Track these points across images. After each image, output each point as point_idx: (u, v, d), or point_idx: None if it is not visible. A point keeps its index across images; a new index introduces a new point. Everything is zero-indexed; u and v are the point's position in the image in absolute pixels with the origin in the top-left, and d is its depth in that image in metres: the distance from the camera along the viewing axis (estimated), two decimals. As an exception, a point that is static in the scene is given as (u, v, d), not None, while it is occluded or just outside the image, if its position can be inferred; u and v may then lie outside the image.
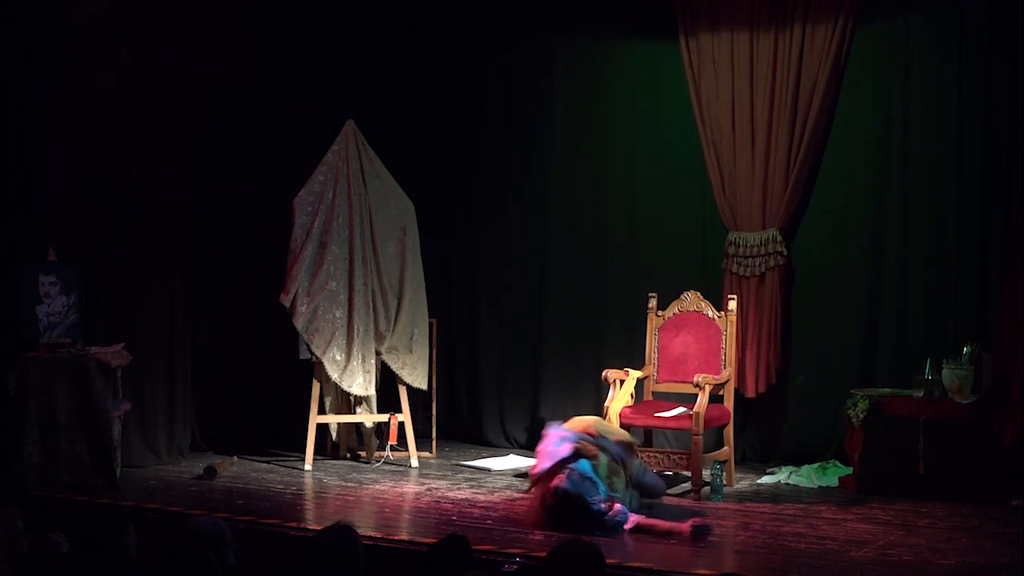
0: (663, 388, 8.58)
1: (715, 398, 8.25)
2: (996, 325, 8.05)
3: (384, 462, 9.00)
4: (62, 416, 8.00)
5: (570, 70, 9.70)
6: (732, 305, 8.47)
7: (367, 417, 9.10)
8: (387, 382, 9.09)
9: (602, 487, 7.13)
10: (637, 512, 7.23)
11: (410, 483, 8.39)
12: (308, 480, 8.51)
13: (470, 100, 10.02)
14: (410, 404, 9.04)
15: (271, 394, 9.77)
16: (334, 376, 8.83)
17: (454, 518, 7.34)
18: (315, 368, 8.87)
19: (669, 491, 8.12)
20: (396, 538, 6.79)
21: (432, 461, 9.19)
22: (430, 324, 9.25)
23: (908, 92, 8.66)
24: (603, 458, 7.28)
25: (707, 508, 7.64)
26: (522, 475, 8.32)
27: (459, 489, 8.14)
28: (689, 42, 9.07)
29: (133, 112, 8.85)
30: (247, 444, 9.33)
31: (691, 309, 8.55)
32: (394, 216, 9.04)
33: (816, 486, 8.32)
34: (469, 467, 8.95)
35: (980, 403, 7.93)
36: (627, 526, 7.03)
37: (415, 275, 9.10)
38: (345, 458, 9.20)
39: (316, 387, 8.89)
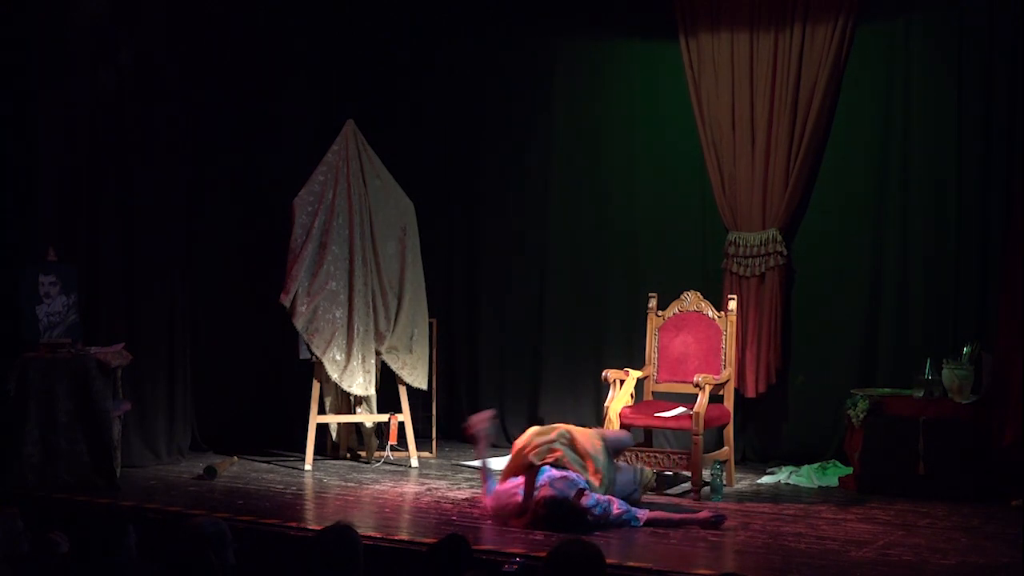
0: (663, 388, 8.58)
1: (715, 398, 8.25)
2: (996, 325, 8.05)
3: (384, 462, 9.01)
4: (62, 416, 8.00)
5: (570, 70, 9.70)
6: (732, 305, 8.47)
7: (367, 417, 9.10)
8: (387, 382, 9.09)
9: (581, 480, 7.15)
10: (624, 495, 7.29)
11: (410, 483, 8.39)
12: (308, 480, 8.51)
13: (470, 100, 10.02)
14: (410, 404, 9.04)
15: (271, 394, 9.77)
16: (334, 376, 8.83)
17: (454, 518, 7.34)
18: (315, 368, 8.87)
19: (669, 491, 8.13)
20: (396, 538, 6.79)
21: (432, 461, 9.19)
22: (430, 324, 9.26)
23: (908, 92, 8.67)
24: (566, 452, 7.29)
25: (707, 508, 7.63)
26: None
27: (459, 489, 8.14)
28: (689, 42, 9.08)
29: (133, 112, 8.85)
30: (247, 444, 9.33)
31: (691, 309, 8.55)
32: (394, 216, 9.04)
33: (816, 486, 8.32)
34: (469, 467, 8.94)
35: (980, 403, 7.93)
36: (641, 521, 7.07)
37: (415, 275, 9.10)
38: (345, 458, 9.20)
39: (316, 387, 8.89)
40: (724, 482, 8.01)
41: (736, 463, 8.53)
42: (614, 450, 7.57)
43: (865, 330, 8.81)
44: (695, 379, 8.10)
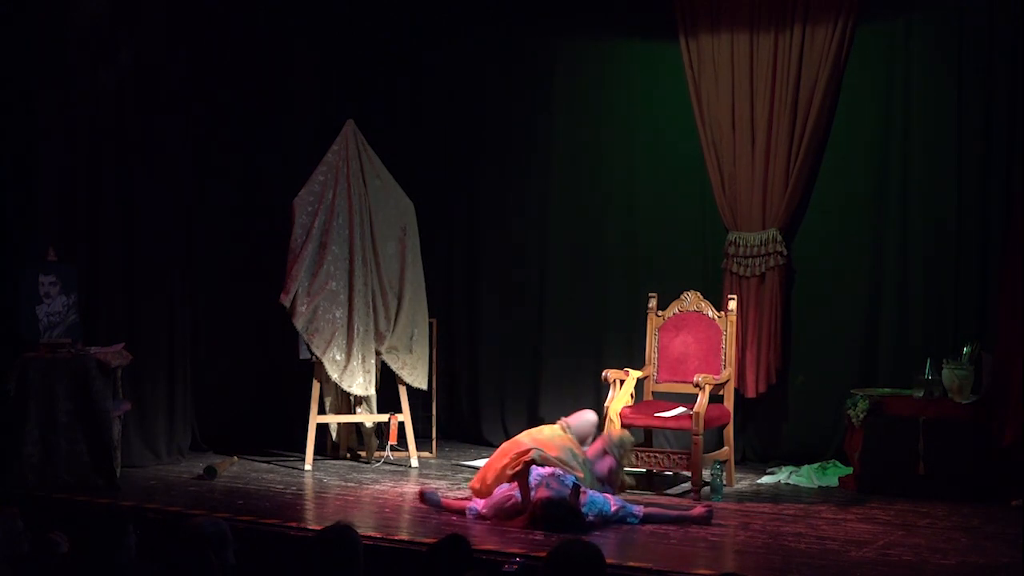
0: (663, 388, 8.57)
1: (715, 398, 8.25)
2: (996, 325, 8.05)
3: (384, 462, 9.01)
4: (62, 416, 8.00)
5: (570, 70, 9.70)
6: (732, 305, 8.46)
7: (367, 417, 9.10)
8: (387, 382, 9.09)
9: (569, 477, 7.17)
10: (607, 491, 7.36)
11: (410, 483, 8.39)
12: (308, 480, 8.51)
13: (470, 100, 10.03)
14: (410, 404, 9.04)
15: (271, 394, 9.77)
16: (334, 376, 8.83)
17: (454, 518, 7.34)
18: (315, 368, 8.87)
19: (669, 491, 8.13)
20: (396, 538, 6.79)
21: (432, 461, 9.19)
22: (430, 324, 9.25)
23: (908, 92, 8.67)
24: (541, 456, 7.31)
25: (698, 505, 7.63)
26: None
27: (459, 489, 8.14)
28: (689, 42, 9.07)
29: (133, 112, 8.85)
30: (247, 444, 9.33)
31: (691, 309, 8.55)
32: (394, 216, 9.04)
33: (816, 486, 8.32)
34: (469, 467, 8.94)
35: (980, 403, 7.93)
36: (638, 518, 7.09)
37: (415, 275, 9.10)
38: (345, 458, 9.20)
39: (316, 387, 8.89)
40: (724, 482, 8.01)
41: (736, 463, 8.53)
42: (579, 437, 7.62)
43: (865, 330, 8.81)
44: (695, 379, 8.10)
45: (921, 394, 8.05)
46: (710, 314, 8.49)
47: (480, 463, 8.97)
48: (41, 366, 8.03)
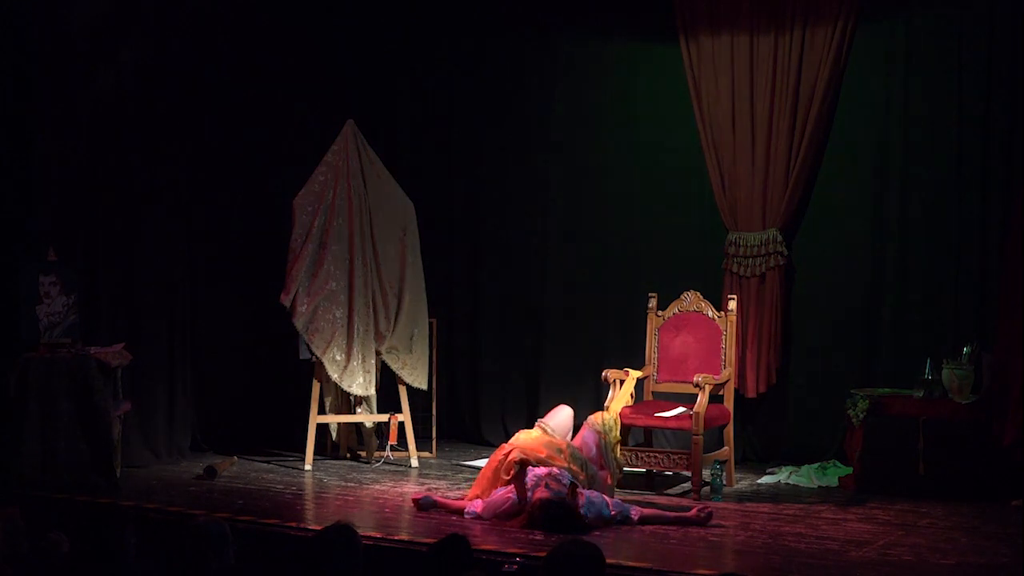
0: (663, 388, 8.57)
1: (715, 398, 8.25)
2: (996, 325, 8.05)
3: (384, 462, 9.01)
4: (62, 416, 7.99)
5: (570, 70, 9.70)
6: (732, 305, 8.46)
7: (367, 417, 9.10)
8: (387, 382, 9.09)
9: (566, 475, 7.19)
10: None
11: (410, 483, 8.39)
12: (308, 480, 8.51)
13: (470, 100, 10.03)
14: (410, 404, 9.04)
15: (271, 394, 9.77)
16: (334, 376, 8.83)
17: (454, 518, 7.34)
18: (315, 368, 8.87)
19: (669, 491, 8.13)
20: (396, 538, 6.79)
21: (432, 461, 9.19)
22: (430, 324, 9.25)
23: (908, 92, 8.66)
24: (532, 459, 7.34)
25: (696, 506, 7.63)
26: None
27: (459, 489, 8.13)
28: (689, 42, 9.07)
29: (133, 112, 8.85)
30: (247, 444, 9.33)
31: (691, 309, 8.55)
32: (394, 216, 9.04)
33: (816, 486, 8.32)
34: (469, 467, 8.95)
35: (980, 403, 7.93)
36: (635, 518, 7.10)
37: (415, 275, 9.10)
38: (345, 458, 9.20)
39: (316, 387, 8.89)
40: (724, 482, 8.01)
41: (736, 463, 8.53)
42: (561, 432, 7.69)
43: (865, 330, 8.81)
44: (695, 379, 8.10)
45: (921, 394, 8.05)
46: (710, 314, 8.49)
47: (480, 463, 8.98)
48: (41, 366, 8.03)
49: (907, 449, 7.95)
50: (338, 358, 8.82)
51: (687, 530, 7.05)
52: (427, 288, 9.18)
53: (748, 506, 7.75)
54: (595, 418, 7.85)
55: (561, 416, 7.88)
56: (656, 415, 8.17)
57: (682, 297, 8.59)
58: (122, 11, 8.77)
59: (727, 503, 7.79)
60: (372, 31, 10.09)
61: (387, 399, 9.09)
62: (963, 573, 6.33)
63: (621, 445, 7.93)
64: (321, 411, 8.98)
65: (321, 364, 8.81)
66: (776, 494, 8.14)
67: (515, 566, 5.89)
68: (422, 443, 9.24)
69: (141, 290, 8.91)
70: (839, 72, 8.74)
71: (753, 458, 9.06)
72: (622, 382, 8.31)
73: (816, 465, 8.62)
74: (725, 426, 8.34)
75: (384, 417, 9.01)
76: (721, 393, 8.33)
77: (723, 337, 8.41)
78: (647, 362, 8.59)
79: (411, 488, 8.16)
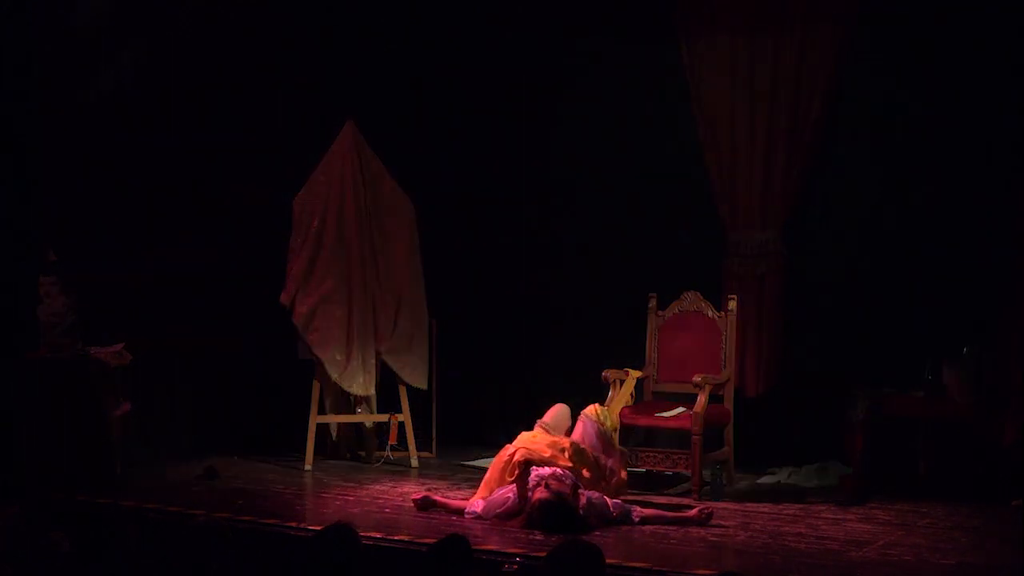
0: (663, 388, 8.57)
1: (715, 398, 8.25)
2: (996, 325, 8.05)
3: (384, 462, 9.00)
4: (62, 416, 8.00)
5: (570, 70, 9.70)
6: (732, 305, 8.46)
7: (367, 417, 9.10)
8: (387, 382, 9.09)
9: (571, 477, 7.18)
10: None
11: (410, 483, 8.38)
12: (308, 480, 8.52)
13: (470, 100, 10.02)
14: (410, 404, 9.04)
15: (271, 394, 9.76)
16: (334, 376, 8.83)
17: (454, 518, 7.34)
18: (315, 368, 8.87)
19: (669, 491, 8.13)
20: (396, 538, 6.79)
21: (432, 461, 9.19)
22: (430, 324, 9.25)
23: (909, 91, 8.66)
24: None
25: (696, 506, 7.63)
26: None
27: (459, 489, 8.14)
28: (689, 43, 9.07)
29: (133, 112, 8.85)
30: (247, 444, 9.33)
31: (691, 309, 8.55)
32: (394, 216, 9.04)
33: (816, 486, 8.31)
34: (469, 467, 8.95)
35: (980, 403, 7.92)
36: (636, 519, 7.10)
37: (415, 275, 9.10)
38: (345, 458, 9.20)
39: (316, 387, 8.89)
40: (724, 482, 8.01)
41: (736, 463, 8.52)
42: (560, 430, 7.70)
43: (865, 330, 8.80)
44: (695, 379, 8.10)
45: (921, 394, 8.05)
46: (710, 314, 8.49)
47: (480, 463, 8.99)
48: (41, 366, 8.03)
49: (907, 449, 7.95)
50: (338, 358, 8.82)
51: (687, 530, 7.06)
52: (427, 288, 9.18)
53: (748, 506, 7.75)
54: (588, 410, 7.87)
55: (559, 414, 7.89)
56: (656, 415, 8.17)
57: (682, 297, 8.59)
58: (122, 11, 8.77)
59: (727, 503, 7.80)
60: (373, 30, 10.08)
61: (387, 399, 9.09)
62: (963, 573, 6.33)
63: (620, 445, 7.93)
64: (321, 411, 8.98)
65: (321, 364, 8.81)
66: (776, 494, 8.13)
67: (515, 566, 5.89)
68: (422, 443, 9.24)
69: (141, 290, 8.91)
70: (839, 72, 8.73)
71: (753, 458, 9.05)
72: (622, 382, 8.31)
73: (816, 465, 8.61)
74: (725, 426, 8.34)
75: (384, 417, 9.01)
76: (721, 393, 8.33)
77: (723, 337, 8.41)
78: (647, 362, 8.60)
79: (411, 488, 8.16)
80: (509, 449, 7.48)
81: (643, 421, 8.24)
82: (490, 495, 7.42)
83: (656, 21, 9.25)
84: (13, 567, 5.33)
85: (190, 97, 9.19)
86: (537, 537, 6.80)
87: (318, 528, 6.12)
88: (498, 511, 7.24)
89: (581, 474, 7.30)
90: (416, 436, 9.04)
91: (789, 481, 8.44)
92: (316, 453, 8.93)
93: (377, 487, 8.25)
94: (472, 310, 10.03)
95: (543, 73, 9.78)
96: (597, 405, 7.94)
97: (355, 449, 9.27)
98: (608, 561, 4.82)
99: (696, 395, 8.04)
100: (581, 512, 7.01)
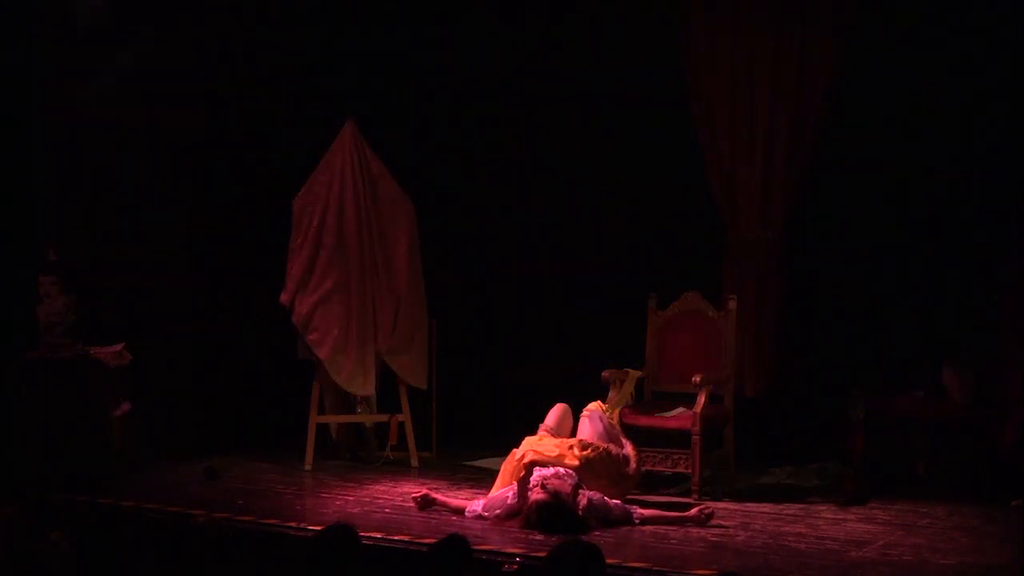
0: (663, 388, 8.57)
1: (715, 398, 8.25)
2: (996, 326, 8.05)
3: (384, 462, 9.00)
4: (62, 416, 8.00)
5: (570, 70, 9.70)
6: (732, 305, 8.46)
7: (367, 417, 9.10)
8: (387, 382, 9.09)
9: (574, 476, 7.18)
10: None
11: (410, 483, 8.38)
12: (308, 480, 8.51)
13: (470, 100, 10.02)
14: (410, 404, 9.04)
15: (271, 394, 9.76)
16: (334, 376, 8.83)
17: (454, 518, 7.34)
18: (315, 368, 8.87)
19: (669, 491, 8.13)
20: (396, 538, 6.79)
21: (432, 461, 9.18)
22: (430, 324, 9.25)
23: (910, 90, 8.65)
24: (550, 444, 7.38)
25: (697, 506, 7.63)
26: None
27: (459, 489, 8.14)
28: (689, 41, 9.07)
29: (133, 111, 8.85)
30: (247, 444, 9.33)
31: (691, 309, 8.54)
32: (394, 216, 9.04)
33: (816, 486, 8.31)
34: (469, 467, 8.94)
35: (980, 403, 7.93)
36: (636, 519, 7.11)
37: (415, 275, 9.09)
38: (345, 458, 9.19)
39: (316, 387, 8.89)
40: (724, 482, 8.00)
41: (736, 463, 8.52)
42: (564, 430, 7.73)
43: (865, 330, 8.80)
44: (695, 379, 8.09)
45: (921, 394, 8.05)
46: (710, 314, 8.49)
47: (480, 463, 8.99)
48: (41, 366, 8.04)
49: (907, 449, 7.95)
50: (338, 358, 8.81)
51: (687, 530, 7.06)
52: (427, 288, 9.18)
53: (748, 506, 7.75)
54: (591, 406, 7.93)
55: (561, 414, 7.89)
56: (656, 415, 8.17)
57: (682, 297, 8.59)
58: (121, 11, 8.78)
59: (727, 503, 7.79)
60: (373, 30, 10.08)
61: (387, 399, 9.09)
62: (963, 573, 6.33)
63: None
64: (321, 411, 8.97)
65: (321, 364, 8.81)
66: (776, 494, 8.13)
67: (515, 566, 5.89)
68: (422, 443, 9.24)
69: (141, 290, 8.91)
70: (840, 70, 8.73)
71: (753, 458, 9.05)
72: (622, 382, 8.31)
73: (816, 465, 8.61)
74: (725, 426, 8.34)
75: (384, 417, 9.01)
76: (721, 393, 8.33)
77: (723, 337, 8.41)
78: (647, 362, 8.59)
79: (411, 488, 8.15)
80: (516, 453, 7.47)
81: (643, 421, 8.24)
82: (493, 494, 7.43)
83: (656, 20, 9.24)
84: (13, 567, 5.33)
85: (189, 97, 9.18)
86: (537, 537, 6.80)
87: (318, 528, 6.13)
88: (498, 511, 7.24)
89: (592, 472, 7.28)
90: (416, 436, 9.04)
91: (789, 481, 8.43)
92: (316, 453, 8.93)
93: (377, 487, 8.25)
94: (472, 310, 10.04)
95: (543, 73, 9.78)
96: (599, 401, 7.94)
97: (355, 449, 9.27)
98: (608, 561, 4.82)
99: (696, 395, 8.03)
100: (581, 513, 7.01)
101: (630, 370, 8.41)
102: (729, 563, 6.47)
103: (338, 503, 7.84)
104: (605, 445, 7.53)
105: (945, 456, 7.90)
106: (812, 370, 8.93)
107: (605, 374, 8.35)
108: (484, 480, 8.44)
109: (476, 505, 7.37)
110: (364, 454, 9.19)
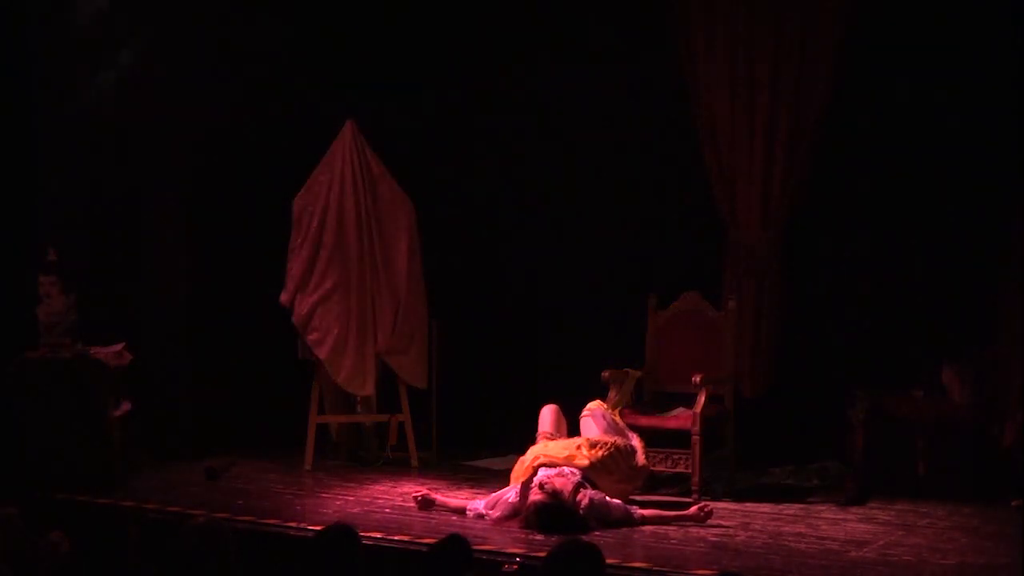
0: (663, 388, 8.56)
1: (715, 398, 8.24)
2: (996, 325, 8.05)
3: (384, 462, 9.00)
4: (62, 416, 8.00)
5: (570, 69, 9.70)
6: (732, 305, 8.46)
7: (367, 417, 9.10)
8: (387, 382, 9.09)
9: (577, 476, 7.18)
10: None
11: (410, 483, 8.38)
12: (308, 480, 8.51)
13: (470, 100, 10.02)
14: (410, 404, 9.04)
15: (271, 394, 9.76)
16: (334, 376, 8.83)
17: (454, 518, 7.34)
18: (315, 368, 8.87)
19: (669, 491, 8.13)
20: (396, 538, 6.79)
21: (432, 461, 9.18)
22: (430, 324, 9.25)
23: (910, 90, 8.65)
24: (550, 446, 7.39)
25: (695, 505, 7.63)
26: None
27: (459, 489, 8.14)
28: (688, 39, 9.06)
29: (133, 112, 8.86)
30: (247, 444, 9.33)
31: (691, 309, 8.54)
32: (394, 216, 9.04)
33: (816, 486, 8.31)
34: (469, 467, 8.95)
35: (980, 403, 7.93)
36: (636, 519, 7.12)
37: (415, 275, 9.10)
38: (345, 458, 9.19)
39: (316, 387, 8.89)
40: (724, 482, 8.00)
41: (736, 463, 8.52)
42: (560, 429, 7.75)
43: (865, 330, 8.80)
44: (695, 379, 8.09)
45: (921, 394, 8.05)
46: (710, 314, 8.49)
47: (480, 463, 9.00)
48: (41, 366, 8.04)
49: (907, 449, 7.95)
50: (338, 358, 8.81)
51: (687, 530, 7.06)
52: (427, 288, 9.18)
53: (748, 506, 7.75)
54: (591, 405, 7.94)
55: (554, 417, 7.88)
56: (656, 415, 8.17)
57: (682, 297, 8.59)
58: (121, 11, 8.78)
59: (727, 503, 7.79)
60: (372, 30, 10.08)
61: (387, 399, 9.09)
62: (963, 573, 6.33)
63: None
64: (321, 411, 8.98)
65: (321, 364, 8.81)
66: (776, 494, 8.13)
67: (515, 566, 5.89)
68: (422, 443, 9.24)
69: (141, 290, 8.91)
70: (840, 69, 8.72)
71: (753, 458, 9.05)
72: (622, 382, 8.31)
73: (816, 465, 8.61)
74: (725, 426, 8.34)
75: (384, 417, 9.01)
76: (721, 393, 8.33)
77: (723, 337, 8.40)
78: (647, 362, 8.59)
79: (411, 488, 8.15)
80: (525, 459, 7.47)
81: (643, 421, 8.23)
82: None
83: (655, 20, 9.24)
84: (13, 567, 5.33)
85: (189, 97, 9.18)
86: (537, 537, 6.80)
87: (318, 528, 6.12)
88: (500, 510, 7.24)
89: (604, 470, 7.27)
90: (416, 436, 9.03)
91: (789, 481, 8.43)
92: (316, 453, 8.93)
93: (377, 487, 8.25)
94: (472, 310, 10.04)
95: (543, 72, 9.78)
96: (599, 400, 7.94)
97: (355, 449, 9.27)
98: (608, 561, 4.82)
99: (696, 395, 8.03)
100: (581, 513, 7.01)
101: (630, 370, 8.41)
102: (729, 563, 6.47)
103: (338, 503, 7.84)
104: (612, 439, 7.54)
105: (945, 456, 7.90)
106: (812, 370, 8.93)
107: (605, 374, 8.35)
108: (484, 480, 8.45)
109: (477, 503, 7.38)
110: (364, 454, 9.19)
